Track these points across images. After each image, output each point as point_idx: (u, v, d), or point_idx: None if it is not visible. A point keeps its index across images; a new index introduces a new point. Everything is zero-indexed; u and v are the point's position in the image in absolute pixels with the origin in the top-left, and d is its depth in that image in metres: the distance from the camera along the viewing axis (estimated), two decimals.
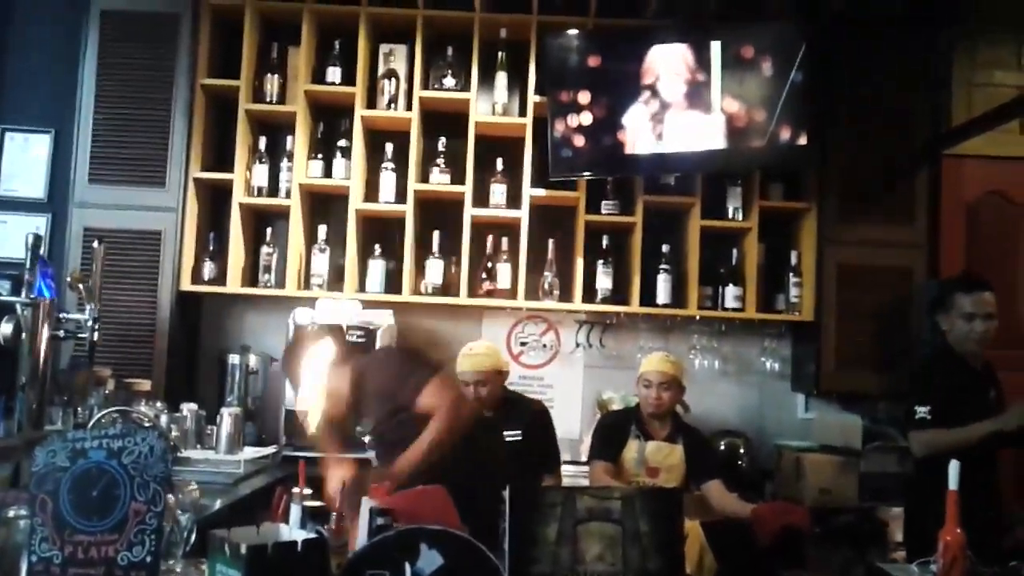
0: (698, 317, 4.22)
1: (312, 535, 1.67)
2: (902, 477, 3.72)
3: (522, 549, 1.61)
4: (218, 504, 2.88)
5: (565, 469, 3.67)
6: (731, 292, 4.16)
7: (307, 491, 2.05)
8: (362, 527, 1.93)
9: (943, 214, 4.20)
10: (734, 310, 4.16)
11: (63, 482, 1.63)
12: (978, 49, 4.36)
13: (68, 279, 3.06)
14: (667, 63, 3.95)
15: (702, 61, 3.94)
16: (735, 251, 4.24)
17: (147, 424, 3.10)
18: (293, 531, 1.78)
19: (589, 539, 1.61)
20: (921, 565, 2.48)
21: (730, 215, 4.21)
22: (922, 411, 3.14)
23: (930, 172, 4.17)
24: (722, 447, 4.13)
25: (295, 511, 1.87)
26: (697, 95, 3.94)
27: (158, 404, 3.53)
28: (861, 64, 4.13)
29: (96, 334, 3.02)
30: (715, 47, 3.94)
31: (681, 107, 3.94)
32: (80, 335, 3.03)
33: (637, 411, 3.51)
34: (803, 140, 3.90)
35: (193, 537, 2.04)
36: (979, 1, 4.15)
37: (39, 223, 4.23)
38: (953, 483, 2.28)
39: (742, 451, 4.12)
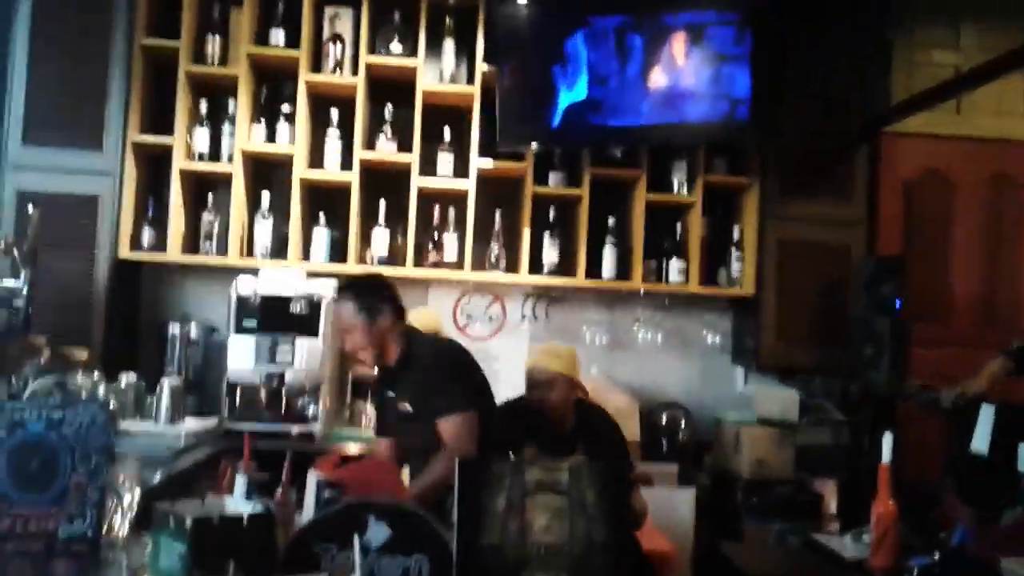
0: (642, 291, 4.25)
1: (259, 508, 1.66)
2: (836, 450, 3.83)
3: (470, 520, 1.62)
4: (158, 476, 2.83)
5: None
6: (675, 266, 4.21)
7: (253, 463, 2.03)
8: (309, 500, 1.93)
9: (881, 191, 4.29)
10: (678, 284, 4.21)
11: (1, 454, 1.59)
12: (917, 29, 4.44)
13: (1, 244, 2.96)
14: (612, 34, 3.95)
15: (648, 32, 3.94)
16: (679, 225, 4.28)
17: (84, 395, 3.04)
18: (239, 504, 1.76)
19: (537, 510, 1.63)
20: (855, 535, 2.56)
21: (675, 189, 4.24)
22: None
23: (869, 150, 4.25)
24: (663, 419, 4.20)
25: (240, 484, 1.85)
26: (642, 67, 3.95)
27: (95, 374, 3.44)
28: (803, 42, 4.17)
29: (30, 302, 2.95)
30: (661, 19, 3.95)
31: (626, 79, 3.95)
32: (14, 303, 2.95)
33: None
34: (746, 115, 3.93)
35: (134, 510, 2.01)
36: None
37: None
38: (886, 456, 2.36)
39: (683, 423, 4.20)
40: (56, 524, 1.59)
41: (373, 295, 2.90)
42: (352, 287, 2.97)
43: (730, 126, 3.96)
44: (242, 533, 1.56)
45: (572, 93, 3.96)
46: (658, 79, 3.93)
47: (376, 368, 2.91)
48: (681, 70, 3.92)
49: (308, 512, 1.92)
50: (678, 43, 3.92)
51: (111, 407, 3.18)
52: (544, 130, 4.00)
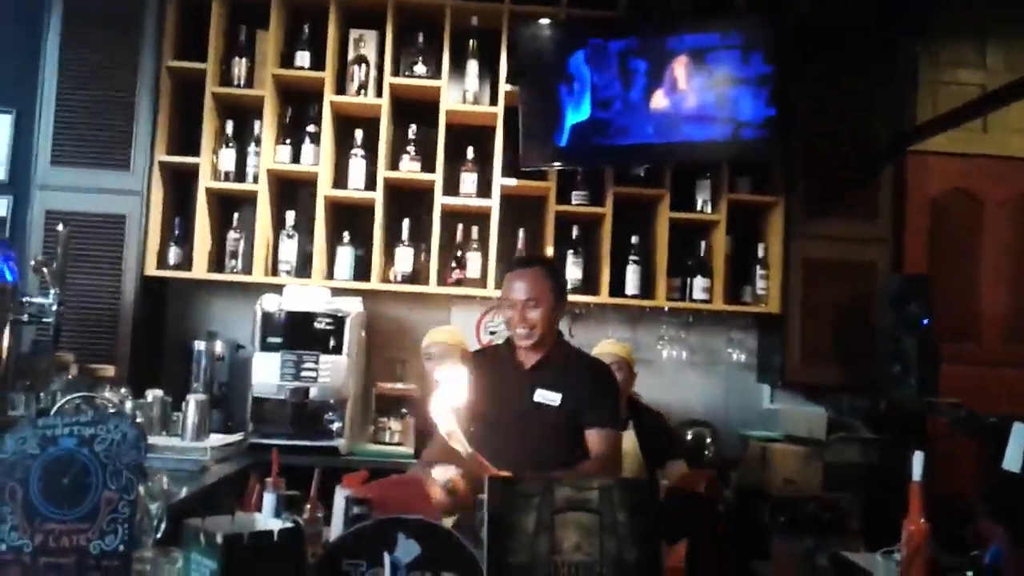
0: (666, 308, 4.25)
1: (288, 524, 1.65)
2: (865, 467, 3.79)
3: (500, 539, 1.61)
4: (184, 492, 2.85)
5: None
6: (699, 284, 4.20)
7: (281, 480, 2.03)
8: (337, 516, 1.93)
9: (908, 210, 4.27)
10: (702, 301, 4.20)
11: (33, 470, 1.60)
12: (942, 48, 4.43)
13: (32, 263, 3.00)
14: (637, 55, 3.97)
15: (672, 55, 3.96)
16: (703, 243, 4.27)
17: (112, 410, 3.06)
18: (268, 520, 1.76)
19: (566, 529, 1.62)
20: (885, 554, 2.52)
21: (699, 208, 4.24)
22: None
23: (895, 168, 4.23)
24: (689, 436, 4.17)
25: (269, 500, 1.86)
26: (666, 87, 3.97)
27: (122, 390, 3.47)
28: (828, 61, 4.18)
29: (60, 319, 2.98)
30: (685, 40, 3.97)
31: (650, 99, 3.97)
32: (43, 319, 2.99)
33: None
34: (770, 135, 3.94)
35: (163, 525, 2.02)
36: (943, 5, 4.21)
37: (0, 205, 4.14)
38: (917, 474, 2.33)
39: (708, 441, 4.17)
40: (88, 540, 1.60)
41: (563, 278, 2.95)
42: (543, 262, 2.97)
43: (737, 147, 3.99)
44: (272, 549, 1.56)
45: (577, 113, 3.98)
46: (662, 101, 3.96)
47: (532, 350, 2.80)
48: (685, 93, 3.95)
49: (336, 529, 1.91)
50: (681, 66, 3.95)
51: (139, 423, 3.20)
52: (553, 149, 4.02)
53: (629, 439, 3.42)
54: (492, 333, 4.38)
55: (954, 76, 4.42)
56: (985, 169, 4.37)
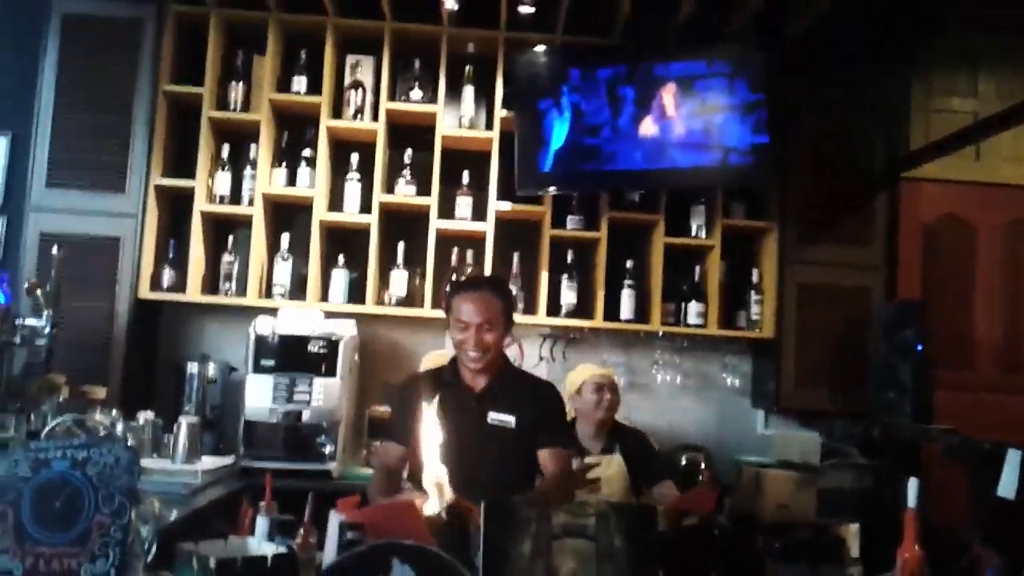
0: (661, 333, 4.25)
1: (281, 549, 1.64)
2: (859, 493, 3.78)
3: (495, 565, 1.60)
4: (174, 515, 2.81)
5: None
6: (693, 308, 4.20)
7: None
8: (330, 541, 1.91)
9: (901, 236, 4.29)
10: (696, 326, 4.20)
11: (25, 492, 1.59)
12: (935, 76, 4.48)
13: (25, 285, 2.99)
14: (632, 82, 4.00)
15: (665, 81, 4.00)
16: (698, 268, 4.28)
17: (103, 433, 3.03)
18: (261, 545, 1.75)
19: (563, 555, 1.61)
20: None
21: (693, 233, 4.25)
22: None
23: (888, 195, 4.25)
24: (683, 462, 4.15)
25: (262, 524, 1.84)
26: (659, 114, 4.00)
27: (113, 412, 3.44)
28: (821, 87, 4.22)
29: (52, 341, 2.96)
30: (673, 67, 4.02)
31: (644, 125, 4.00)
32: (36, 341, 2.97)
33: (572, 427, 3.46)
34: (764, 161, 3.97)
35: (154, 549, 1.99)
36: (936, 32, 4.26)
37: None
38: (912, 501, 2.32)
39: (702, 466, 4.15)
40: (79, 563, 1.59)
41: (512, 298, 2.89)
42: (494, 283, 2.89)
43: (726, 173, 4.02)
44: (266, 574, 1.55)
45: (565, 139, 4.00)
46: (651, 127, 3.99)
47: (480, 373, 2.77)
48: (674, 120, 3.99)
49: (330, 553, 1.90)
50: (669, 94, 3.99)
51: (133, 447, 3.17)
52: (543, 175, 4.04)
53: (616, 463, 3.41)
54: None
55: (947, 103, 4.47)
56: (977, 196, 4.40)
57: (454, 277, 4.14)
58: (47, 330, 2.96)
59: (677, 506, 2.85)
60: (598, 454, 3.41)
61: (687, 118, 3.99)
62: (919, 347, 3.75)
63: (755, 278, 4.26)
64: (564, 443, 2.79)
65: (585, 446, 3.42)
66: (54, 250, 3.19)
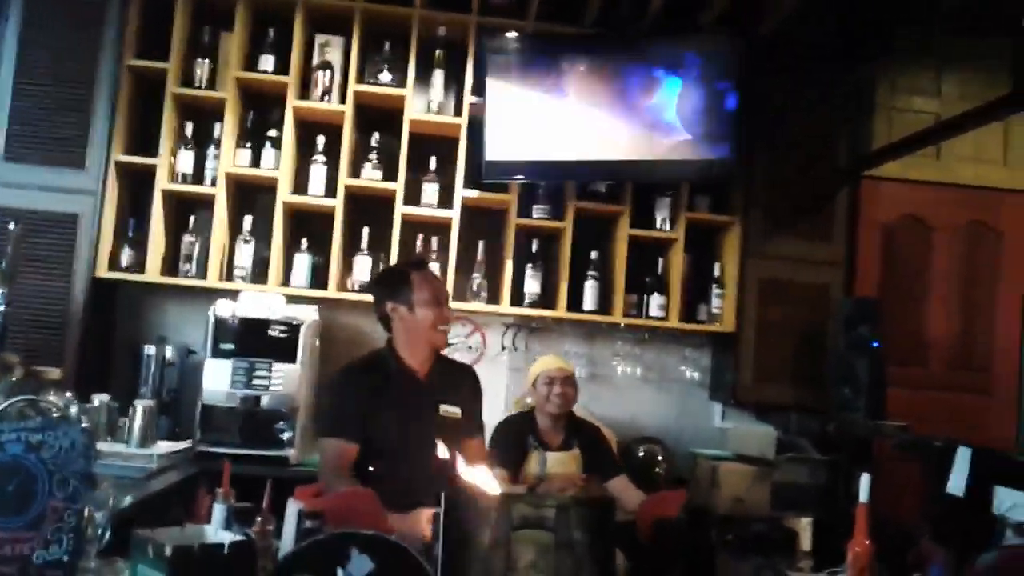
0: (623, 324, 4.27)
1: (239, 537, 1.63)
2: (813, 488, 3.84)
3: (454, 554, 1.61)
4: (128, 500, 2.78)
5: None
6: (656, 301, 4.23)
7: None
8: (288, 530, 1.90)
9: (860, 234, 4.35)
10: (658, 319, 4.23)
11: None
12: (899, 76, 4.53)
13: None
14: (601, 72, 4.00)
15: (635, 72, 4.01)
16: (661, 261, 4.31)
17: (56, 414, 2.98)
18: (218, 532, 1.73)
19: (523, 546, 1.62)
20: (830, 574, 2.56)
21: (658, 225, 4.28)
22: None
23: (850, 193, 4.31)
24: (640, 453, 4.19)
25: (219, 511, 1.83)
26: (628, 106, 4.01)
27: (68, 394, 3.38)
28: (787, 86, 4.25)
29: (6, 319, 2.90)
30: (649, 58, 4.02)
31: (612, 117, 4.00)
32: None
33: (531, 419, 3.47)
34: (729, 155, 4.01)
35: (107, 535, 1.97)
36: (900, 32, 4.30)
37: None
38: (864, 496, 2.37)
39: (659, 458, 4.19)
40: (32, 549, 1.56)
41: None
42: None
43: (715, 166, 4.05)
44: (223, 562, 1.54)
45: (554, 128, 4.00)
46: (617, 117, 4.00)
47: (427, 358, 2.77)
48: (641, 111, 4.00)
49: (287, 542, 1.89)
50: (667, 81, 4.00)
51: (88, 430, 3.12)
52: (526, 163, 4.03)
53: (575, 458, 3.41)
54: (449, 345, 4.35)
55: (909, 103, 4.53)
56: (935, 196, 4.48)
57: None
58: (1, 308, 2.89)
59: (647, 512, 2.82)
60: (556, 448, 3.41)
61: (655, 110, 4.01)
62: (874, 344, 3.81)
63: (717, 272, 4.29)
64: (481, 433, 2.87)
65: (545, 439, 3.41)
66: (11, 226, 3.12)
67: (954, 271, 4.50)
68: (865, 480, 2.34)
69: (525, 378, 4.19)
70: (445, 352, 2.88)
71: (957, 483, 2.94)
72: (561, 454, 3.38)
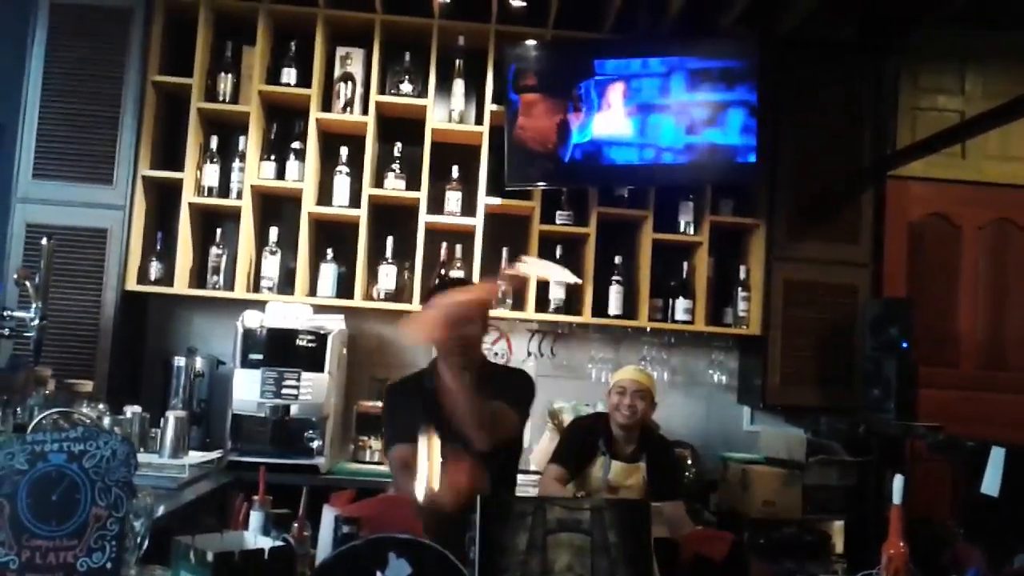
0: (648, 329, 4.27)
1: (278, 542, 1.65)
2: (844, 490, 3.81)
3: (491, 558, 1.61)
4: (162, 509, 2.81)
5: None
6: (681, 305, 4.22)
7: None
8: (325, 536, 1.91)
9: (887, 234, 4.32)
10: (684, 322, 4.22)
11: (21, 485, 1.59)
12: (923, 75, 4.51)
13: (14, 275, 2.97)
14: (623, 77, 4.02)
15: (656, 76, 4.02)
16: (686, 264, 4.30)
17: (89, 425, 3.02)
18: (257, 538, 1.75)
19: (558, 549, 1.62)
20: None
21: (682, 229, 4.27)
22: None
23: (875, 193, 4.28)
24: None
25: (257, 517, 1.84)
26: (650, 110, 4.01)
27: (100, 406, 3.43)
28: (810, 86, 4.24)
29: (41, 333, 2.94)
30: (669, 63, 4.03)
31: (634, 121, 4.01)
32: (24, 334, 2.95)
33: (605, 423, 3.40)
34: (752, 158, 4.00)
35: (146, 543, 1.99)
36: (924, 30, 4.28)
37: None
38: (897, 497, 2.35)
39: (689, 462, 4.17)
40: (75, 556, 1.58)
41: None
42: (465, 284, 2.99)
43: (738, 169, 4.04)
44: (264, 568, 1.55)
45: (579, 135, 4.01)
46: (640, 122, 4.01)
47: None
48: (690, 111, 4.00)
49: (324, 548, 1.90)
50: (688, 85, 4.01)
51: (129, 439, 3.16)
52: (551, 170, 4.04)
53: (639, 471, 3.32)
54: None
55: (933, 102, 4.51)
56: (962, 195, 4.44)
57: (443, 272, 4.14)
58: (35, 322, 2.93)
59: (692, 545, 2.77)
60: (624, 458, 3.32)
61: (678, 114, 4.01)
62: (904, 344, 3.79)
63: (742, 275, 4.28)
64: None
65: (615, 447, 3.33)
66: (43, 241, 3.17)
67: (982, 270, 4.46)
68: (899, 481, 2.32)
69: (550, 384, 4.21)
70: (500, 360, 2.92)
71: (991, 483, 2.92)
72: (627, 465, 3.30)
